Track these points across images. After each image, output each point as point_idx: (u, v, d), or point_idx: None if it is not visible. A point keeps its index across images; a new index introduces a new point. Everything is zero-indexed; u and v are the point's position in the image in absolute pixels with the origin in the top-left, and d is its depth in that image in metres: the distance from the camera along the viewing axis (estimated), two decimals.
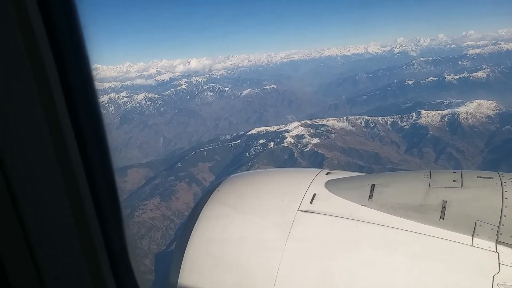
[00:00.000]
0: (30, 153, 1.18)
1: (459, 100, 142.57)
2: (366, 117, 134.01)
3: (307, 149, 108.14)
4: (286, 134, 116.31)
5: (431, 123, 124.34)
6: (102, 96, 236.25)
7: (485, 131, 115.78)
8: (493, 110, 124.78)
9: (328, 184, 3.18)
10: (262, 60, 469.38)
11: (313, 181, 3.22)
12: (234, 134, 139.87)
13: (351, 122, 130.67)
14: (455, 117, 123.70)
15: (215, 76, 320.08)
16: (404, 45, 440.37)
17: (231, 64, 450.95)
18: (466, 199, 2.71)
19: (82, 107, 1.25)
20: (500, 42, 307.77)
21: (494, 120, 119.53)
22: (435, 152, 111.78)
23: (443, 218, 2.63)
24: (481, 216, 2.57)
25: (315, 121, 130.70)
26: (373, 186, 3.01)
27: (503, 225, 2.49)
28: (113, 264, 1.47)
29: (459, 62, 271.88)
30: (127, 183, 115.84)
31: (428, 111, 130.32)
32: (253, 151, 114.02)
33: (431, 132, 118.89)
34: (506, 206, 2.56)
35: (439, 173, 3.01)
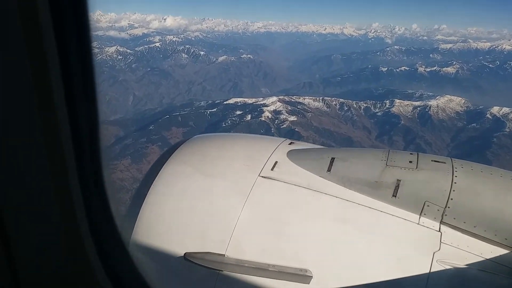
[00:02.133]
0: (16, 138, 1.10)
1: (430, 93, 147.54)
2: (341, 100, 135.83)
3: (284, 125, 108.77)
4: (264, 108, 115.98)
5: (403, 112, 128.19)
6: None
7: (452, 126, 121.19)
8: (461, 106, 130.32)
9: (290, 154, 3.24)
10: (238, 27, 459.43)
11: (276, 149, 3.29)
12: (210, 101, 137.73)
13: (327, 103, 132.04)
14: (427, 110, 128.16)
15: (189, 38, 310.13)
16: (378, 31, 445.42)
17: (206, 27, 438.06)
18: (418, 180, 2.84)
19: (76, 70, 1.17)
20: (469, 40, 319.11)
21: (461, 117, 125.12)
22: (404, 142, 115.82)
23: (396, 196, 2.75)
24: (430, 197, 2.71)
25: (292, 98, 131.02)
26: (332, 159, 3.07)
27: (449, 207, 2.66)
28: (104, 259, 1.39)
29: (431, 55, 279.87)
30: None
31: (401, 101, 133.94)
32: (229, 122, 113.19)
33: (402, 122, 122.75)
34: (454, 190, 2.71)
35: (397, 153, 3.12)
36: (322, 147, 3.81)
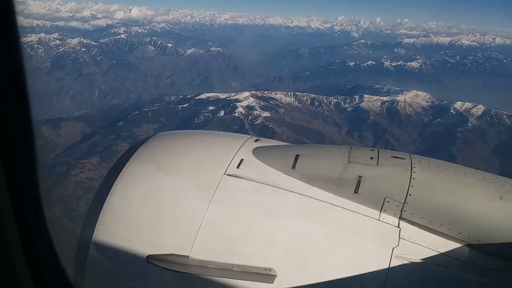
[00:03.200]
0: None
1: (397, 88, 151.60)
2: (312, 95, 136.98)
3: (258, 121, 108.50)
4: (237, 104, 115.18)
5: (372, 108, 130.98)
6: (29, 35, 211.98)
7: (419, 121, 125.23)
8: (426, 101, 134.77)
9: (256, 151, 3.25)
10: (205, 19, 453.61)
11: (242, 147, 3.28)
12: (180, 96, 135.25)
13: (298, 98, 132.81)
14: (394, 105, 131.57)
15: (155, 29, 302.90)
16: (344, 24, 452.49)
17: (173, 18, 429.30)
18: (379, 176, 2.88)
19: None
20: (430, 34, 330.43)
21: (427, 112, 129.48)
22: (374, 137, 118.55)
23: (357, 192, 2.79)
24: (390, 193, 2.75)
25: (264, 93, 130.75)
26: (297, 156, 3.10)
27: (407, 203, 2.70)
28: (32, 263, 1.32)
29: (395, 49, 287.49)
30: (61, 137, 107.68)
31: (370, 96, 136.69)
32: (202, 118, 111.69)
33: (372, 117, 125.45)
34: (412, 186, 2.76)
35: (358, 150, 3.18)
36: (287, 144, 3.78)
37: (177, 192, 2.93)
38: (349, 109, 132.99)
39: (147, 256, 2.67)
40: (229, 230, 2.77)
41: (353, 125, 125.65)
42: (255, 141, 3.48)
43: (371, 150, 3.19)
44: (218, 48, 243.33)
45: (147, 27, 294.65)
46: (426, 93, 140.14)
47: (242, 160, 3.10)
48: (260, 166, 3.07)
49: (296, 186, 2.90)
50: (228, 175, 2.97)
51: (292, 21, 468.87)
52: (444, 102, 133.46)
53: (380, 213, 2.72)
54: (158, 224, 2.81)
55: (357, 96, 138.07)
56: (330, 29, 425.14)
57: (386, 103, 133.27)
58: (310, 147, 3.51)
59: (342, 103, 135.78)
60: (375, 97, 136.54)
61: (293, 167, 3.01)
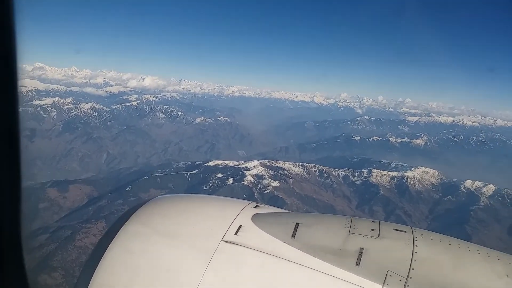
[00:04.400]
0: None
1: (405, 164, 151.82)
2: (320, 167, 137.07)
3: (267, 191, 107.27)
4: (246, 172, 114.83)
5: (382, 182, 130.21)
6: (44, 98, 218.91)
7: (429, 198, 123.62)
8: (435, 178, 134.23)
9: (255, 218, 3.20)
10: (214, 90, 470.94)
11: (241, 213, 3.24)
12: (189, 162, 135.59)
13: (306, 169, 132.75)
14: (404, 180, 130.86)
15: (166, 98, 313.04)
16: (347, 101, 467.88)
17: (183, 88, 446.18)
18: (381, 249, 2.81)
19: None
20: (432, 113, 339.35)
21: (437, 189, 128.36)
22: (384, 212, 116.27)
23: (359, 265, 2.71)
24: (392, 266, 2.67)
25: (273, 163, 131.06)
26: (297, 225, 3.06)
27: (410, 277, 2.60)
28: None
29: (399, 126, 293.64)
30: (67, 199, 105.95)
31: (378, 171, 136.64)
32: (211, 185, 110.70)
33: (381, 192, 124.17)
34: (415, 260, 2.69)
35: (359, 221, 3.14)
36: (287, 211, 3.74)
37: (173, 257, 2.85)
38: (358, 182, 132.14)
39: None
40: None
41: (362, 199, 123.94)
42: (254, 207, 3.41)
43: (372, 221, 3.14)
44: (226, 118, 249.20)
45: (158, 95, 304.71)
46: (434, 170, 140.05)
47: (240, 226, 3.05)
48: (259, 234, 3.00)
49: (296, 256, 2.80)
50: (225, 241, 2.90)
51: (297, 96, 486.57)
52: (454, 180, 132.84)
53: (382, 287, 2.60)
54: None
55: (365, 170, 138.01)
56: (334, 104, 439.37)
57: (396, 179, 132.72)
58: (310, 216, 3.43)
59: (350, 176, 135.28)
60: (384, 172, 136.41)
61: (293, 236, 2.95)
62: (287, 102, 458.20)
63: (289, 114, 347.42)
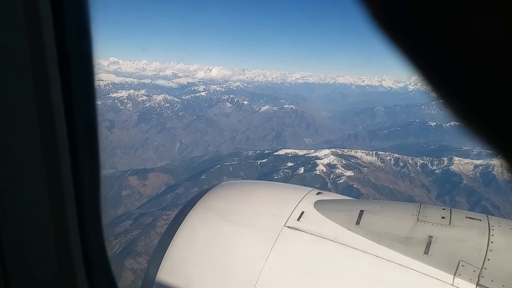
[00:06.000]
0: (15, 146, 1.11)
1: (490, 151, 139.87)
2: (396, 155, 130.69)
3: (341, 181, 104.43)
4: (318, 161, 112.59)
5: (464, 171, 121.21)
6: (120, 91, 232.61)
7: None
8: None
9: (317, 204, 3.19)
10: (277, 78, 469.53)
11: (303, 199, 3.24)
12: (258, 151, 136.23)
13: (381, 158, 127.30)
14: (489, 169, 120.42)
15: (231, 87, 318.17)
16: (419, 84, 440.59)
17: (246, 77, 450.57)
18: (452, 238, 2.71)
19: (79, 103, 1.19)
20: None
21: None
22: (468, 203, 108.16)
23: (427, 254, 2.62)
24: (465, 256, 2.56)
25: (344, 151, 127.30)
26: (361, 212, 3.01)
27: (485, 268, 2.47)
28: (88, 266, 1.42)
29: None
30: (147, 187, 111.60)
31: (460, 159, 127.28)
32: (282, 174, 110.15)
33: (464, 181, 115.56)
34: (491, 250, 2.55)
35: (428, 208, 3.04)
36: (350, 198, 3.67)
37: (237, 242, 2.92)
38: (437, 171, 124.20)
39: None
40: (288, 282, 2.68)
41: (443, 189, 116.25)
42: (317, 194, 3.40)
43: (443, 209, 2.97)
44: (291, 106, 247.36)
45: (224, 85, 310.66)
46: None
47: (303, 212, 3.05)
48: (321, 220, 2.98)
49: (360, 243, 2.76)
50: (288, 227, 2.92)
51: (363, 80, 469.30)
52: None
53: (454, 278, 2.48)
54: (217, 272, 2.81)
55: (445, 158, 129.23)
56: (404, 88, 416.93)
57: (480, 167, 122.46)
58: (375, 203, 3.38)
59: (429, 165, 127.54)
60: (466, 160, 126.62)
61: (357, 223, 2.90)
62: (353, 87, 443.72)
63: (356, 100, 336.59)
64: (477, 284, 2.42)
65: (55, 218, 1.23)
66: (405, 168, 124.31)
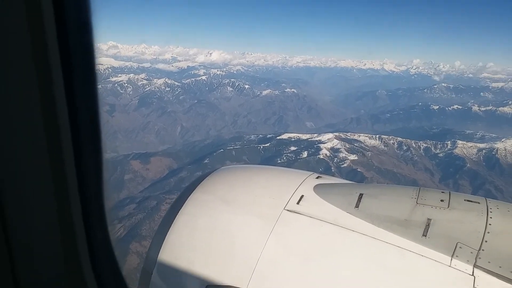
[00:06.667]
0: (19, 143, 1.11)
1: (493, 135, 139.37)
2: (399, 139, 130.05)
3: (345, 165, 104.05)
4: (321, 145, 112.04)
5: (467, 155, 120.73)
6: (120, 75, 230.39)
7: None
8: None
9: (317, 188, 3.22)
10: (278, 62, 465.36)
11: (303, 183, 3.26)
12: (260, 135, 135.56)
13: (384, 141, 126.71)
14: (493, 153, 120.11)
15: (232, 71, 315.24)
16: (420, 67, 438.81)
17: (247, 61, 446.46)
18: (450, 220, 2.74)
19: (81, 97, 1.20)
20: None
21: None
22: (471, 186, 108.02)
23: (426, 236, 2.65)
24: (462, 238, 2.59)
25: (347, 135, 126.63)
26: (361, 195, 3.04)
27: (483, 250, 2.51)
28: (96, 266, 1.42)
29: (481, 93, 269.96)
30: (150, 171, 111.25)
31: (464, 142, 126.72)
32: (285, 158, 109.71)
33: (468, 165, 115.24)
34: (488, 232, 2.59)
35: (427, 191, 3.07)
36: (350, 182, 3.67)
37: (236, 225, 2.96)
38: (440, 155, 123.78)
39: (206, 286, 2.75)
40: (288, 266, 2.72)
41: (446, 172, 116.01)
42: (317, 178, 3.41)
43: (442, 192, 3.01)
44: (292, 89, 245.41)
45: (224, 69, 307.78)
46: None
47: (302, 196, 3.07)
48: (321, 203, 3.01)
49: (359, 226, 2.78)
50: (287, 210, 2.95)
51: (365, 64, 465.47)
52: None
53: (451, 259, 2.52)
54: (217, 255, 2.86)
55: (449, 142, 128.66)
56: (406, 72, 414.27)
57: (484, 151, 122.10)
58: (374, 186, 3.43)
59: (432, 148, 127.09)
60: (470, 144, 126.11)
61: (357, 206, 2.93)
62: (354, 70, 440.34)
63: (357, 83, 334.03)
64: (474, 265, 2.46)
65: (60, 216, 1.23)
66: (409, 152, 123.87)
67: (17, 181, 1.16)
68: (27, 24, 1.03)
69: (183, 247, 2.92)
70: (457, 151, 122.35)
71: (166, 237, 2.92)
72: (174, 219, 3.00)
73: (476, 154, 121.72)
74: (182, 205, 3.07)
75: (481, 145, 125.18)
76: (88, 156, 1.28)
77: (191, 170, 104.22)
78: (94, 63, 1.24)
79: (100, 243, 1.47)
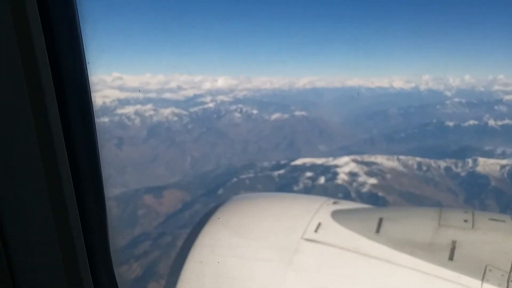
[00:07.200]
0: (14, 152, 1.09)
1: None
2: (418, 159, 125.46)
3: (365, 189, 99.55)
4: (338, 170, 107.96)
5: (491, 172, 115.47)
6: (126, 107, 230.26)
7: None
8: None
9: (335, 214, 3.12)
10: (284, 85, 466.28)
11: (319, 210, 3.18)
12: (273, 162, 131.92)
13: (402, 162, 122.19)
14: None
15: (238, 97, 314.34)
16: (430, 83, 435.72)
17: (253, 85, 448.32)
18: (476, 241, 2.60)
19: (75, 114, 1.17)
20: None
21: None
22: (498, 206, 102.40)
23: (452, 259, 2.52)
24: (491, 260, 2.45)
25: (363, 157, 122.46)
26: (381, 220, 2.93)
27: None
28: (93, 267, 1.43)
29: (495, 106, 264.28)
30: (163, 205, 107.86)
31: (485, 159, 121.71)
32: (301, 185, 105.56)
33: (492, 183, 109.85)
34: None
35: (449, 212, 2.97)
36: (368, 206, 3.60)
37: (253, 257, 2.83)
38: (462, 174, 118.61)
39: None
40: None
41: (471, 192, 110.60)
42: (333, 203, 3.35)
43: (464, 212, 2.88)
44: (302, 112, 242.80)
45: (230, 95, 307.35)
46: None
47: (320, 223, 2.97)
48: (340, 230, 2.89)
49: (381, 252, 2.66)
50: (305, 239, 2.84)
51: (373, 82, 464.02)
52: None
53: (482, 283, 2.36)
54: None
55: (469, 160, 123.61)
56: (416, 88, 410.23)
57: (507, 167, 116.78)
58: (394, 210, 3.35)
59: (453, 167, 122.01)
60: (491, 160, 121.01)
61: (377, 231, 2.82)
62: (362, 89, 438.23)
63: (367, 102, 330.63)
64: None
65: (57, 219, 1.24)
66: (429, 172, 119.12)
67: (11, 186, 1.15)
68: (17, 42, 1.01)
69: (198, 280, 2.76)
70: (479, 169, 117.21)
71: (182, 270, 2.78)
72: (186, 258, 2.85)
73: (500, 171, 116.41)
74: (195, 240, 2.93)
75: (503, 162, 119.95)
76: (83, 157, 1.29)
77: (204, 202, 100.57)
78: (83, 58, 1.22)
79: (99, 248, 1.48)
